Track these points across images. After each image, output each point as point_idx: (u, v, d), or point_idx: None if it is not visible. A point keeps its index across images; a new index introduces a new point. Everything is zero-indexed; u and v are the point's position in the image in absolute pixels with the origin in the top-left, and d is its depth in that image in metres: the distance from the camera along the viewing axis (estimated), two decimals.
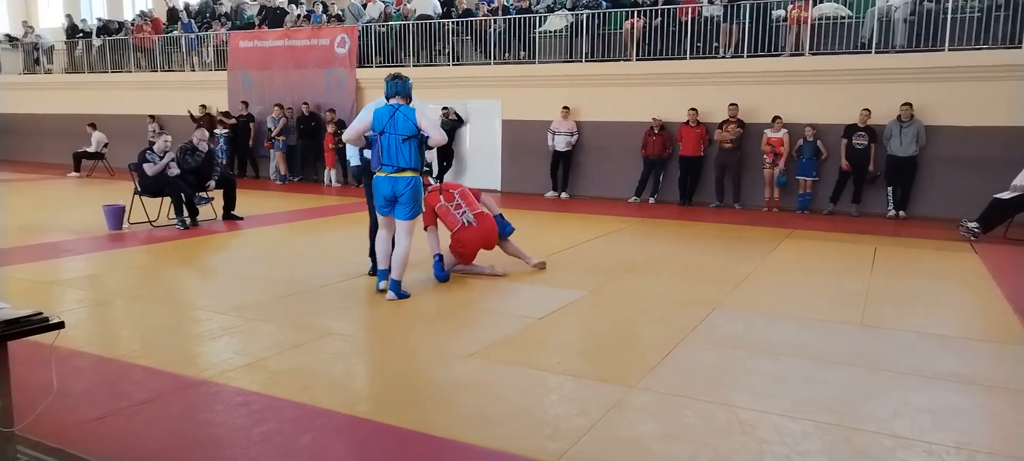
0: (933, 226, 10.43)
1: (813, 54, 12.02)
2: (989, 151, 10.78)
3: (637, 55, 13.26)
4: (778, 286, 6.61)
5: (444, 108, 14.60)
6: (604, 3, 13.85)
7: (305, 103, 15.90)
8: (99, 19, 21.52)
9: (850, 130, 11.47)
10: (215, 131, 16.01)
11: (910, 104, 11.01)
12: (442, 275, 6.49)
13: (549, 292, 6.18)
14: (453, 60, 15.13)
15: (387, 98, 5.74)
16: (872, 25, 11.57)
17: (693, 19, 12.80)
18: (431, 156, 13.30)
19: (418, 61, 15.51)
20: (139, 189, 9.52)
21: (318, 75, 16.41)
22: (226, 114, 16.74)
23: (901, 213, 11.32)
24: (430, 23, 15.40)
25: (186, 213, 9.43)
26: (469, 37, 15.12)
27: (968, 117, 11.03)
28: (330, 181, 15.47)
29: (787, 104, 12.05)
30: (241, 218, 10.06)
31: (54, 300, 5.79)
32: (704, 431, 3.45)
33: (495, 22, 14.59)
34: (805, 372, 4.30)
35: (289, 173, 16.08)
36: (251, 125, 16.53)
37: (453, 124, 14.60)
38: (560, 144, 13.53)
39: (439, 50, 15.41)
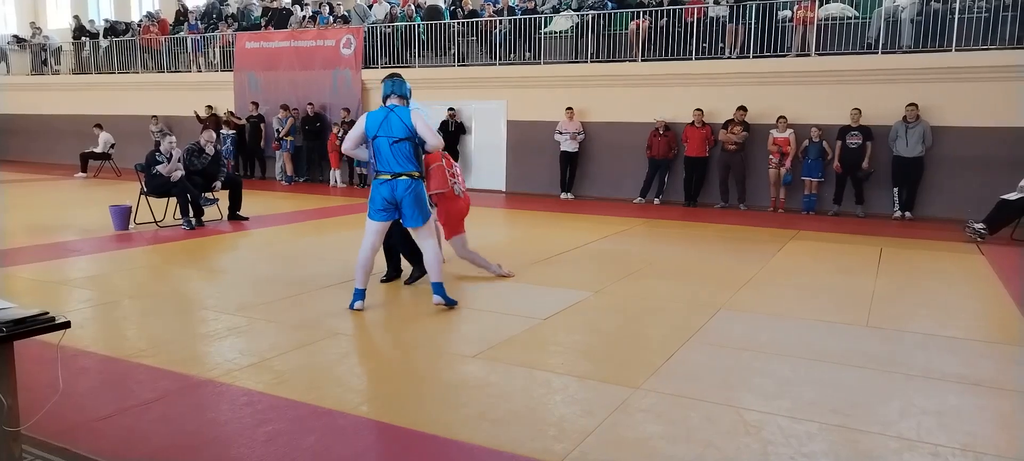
0: (939, 227, 10.39)
1: (819, 55, 11.99)
2: (996, 152, 10.73)
3: (642, 56, 13.24)
4: (783, 287, 6.59)
5: (450, 109, 14.62)
6: (609, 4, 13.85)
7: (310, 104, 15.94)
8: (106, 20, 21.62)
9: (844, 131, 11.45)
10: (221, 131, 16.06)
11: (916, 104, 10.97)
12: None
13: (554, 293, 6.17)
14: (459, 61, 15.14)
15: (383, 99, 5.52)
16: (878, 25, 11.53)
17: (699, 20, 12.78)
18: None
19: (424, 62, 15.54)
20: (145, 190, 9.55)
21: (324, 76, 16.44)
22: (234, 115, 16.78)
23: (907, 214, 11.28)
24: (436, 24, 15.43)
25: (192, 213, 9.46)
26: (474, 38, 15.13)
27: (975, 118, 10.98)
28: (335, 182, 15.50)
29: (793, 105, 12.02)
30: (247, 218, 10.09)
31: (60, 300, 5.81)
32: (709, 432, 3.44)
33: (500, 23, 14.60)
34: (810, 373, 4.29)
35: (295, 173, 16.12)
36: (261, 126, 16.58)
37: (457, 128, 14.65)
38: (567, 145, 13.53)
39: (445, 51, 15.42)
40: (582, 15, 13.78)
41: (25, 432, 2.89)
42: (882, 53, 11.50)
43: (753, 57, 12.43)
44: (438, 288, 5.57)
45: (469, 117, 14.96)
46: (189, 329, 5.11)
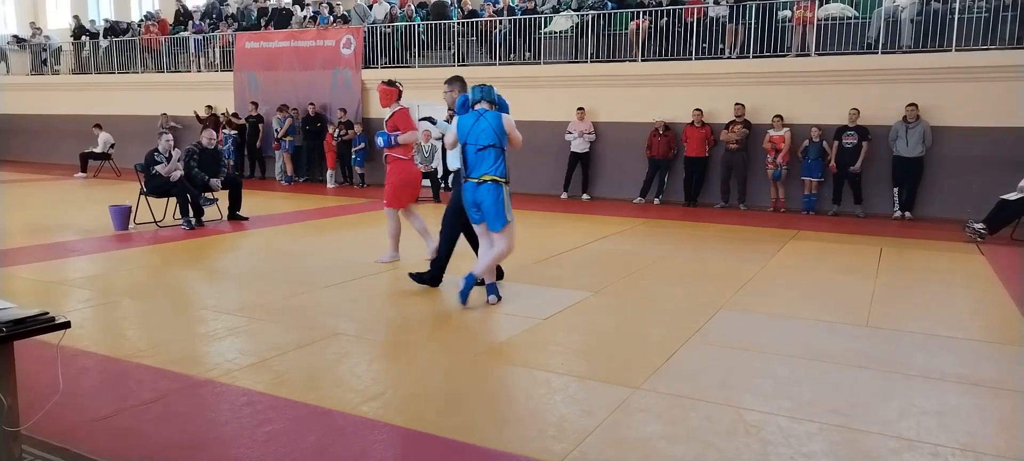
0: (939, 227, 10.39)
1: (819, 55, 11.99)
2: (996, 152, 10.73)
3: (642, 56, 13.24)
4: (783, 287, 6.59)
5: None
6: (609, 4, 13.85)
7: (311, 104, 15.93)
8: (106, 20, 21.62)
9: (841, 131, 11.45)
10: (223, 131, 16.06)
11: (915, 105, 10.97)
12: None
13: (554, 293, 6.18)
14: (459, 61, 15.14)
15: (472, 105, 5.72)
16: (878, 25, 11.53)
17: (699, 20, 12.78)
18: (437, 160, 13.32)
19: (424, 62, 15.53)
20: (145, 190, 9.55)
21: (324, 76, 16.44)
22: (235, 115, 16.79)
23: (907, 214, 11.28)
24: (435, 24, 15.43)
25: (192, 213, 9.46)
26: (474, 38, 15.13)
27: (975, 118, 10.98)
28: (330, 181, 15.49)
29: (793, 105, 12.03)
30: (247, 218, 10.08)
31: (60, 300, 5.81)
32: (709, 432, 3.44)
33: (500, 23, 14.60)
34: (810, 373, 4.29)
35: (295, 174, 16.12)
36: (260, 126, 16.58)
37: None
38: (577, 145, 13.52)
39: (445, 51, 15.42)
40: (582, 15, 13.78)
41: (25, 432, 2.89)
42: (882, 53, 11.50)
43: (753, 57, 12.43)
44: (470, 279, 5.69)
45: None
46: (189, 329, 5.11)
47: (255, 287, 6.31)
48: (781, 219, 11.23)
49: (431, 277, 6.30)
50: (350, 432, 3.45)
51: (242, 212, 10.16)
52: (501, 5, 15.05)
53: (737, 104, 12.18)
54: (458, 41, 15.17)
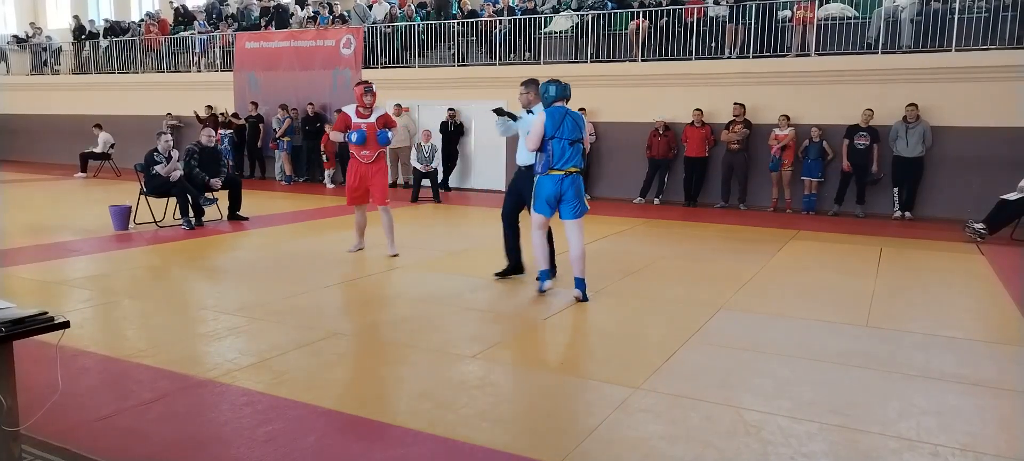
0: (939, 227, 10.39)
1: (819, 55, 11.99)
2: (996, 152, 10.73)
3: (642, 56, 13.25)
4: (783, 287, 6.59)
5: (450, 109, 14.62)
6: (609, 4, 13.85)
7: (310, 104, 15.93)
8: (106, 20, 21.62)
9: (852, 130, 11.44)
10: (219, 131, 16.05)
11: (916, 105, 10.97)
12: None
13: (554, 292, 6.17)
14: (458, 61, 15.14)
15: (554, 100, 5.79)
16: (878, 25, 11.53)
17: (699, 20, 12.79)
18: (437, 160, 13.32)
19: (424, 62, 15.53)
20: (145, 190, 9.55)
21: (324, 76, 16.44)
22: (235, 115, 16.79)
23: (907, 214, 11.28)
24: (436, 24, 15.42)
25: (192, 213, 9.46)
26: (474, 38, 15.13)
27: (975, 118, 10.98)
28: (329, 182, 15.49)
29: (793, 105, 12.03)
30: (246, 218, 10.08)
31: (60, 300, 5.81)
32: (709, 432, 3.44)
33: (500, 23, 14.60)
34: (810, 373, 4.29)
35: (294, 173, 16.12)
36: (260, 126, 16.58)
37: (457, 129, 14.66)
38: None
39: (445, 51, 15.42)
40: (582, 15, 13.79)
41: (24, 432, 2.89)
42: (882, 53, 11.50)
43: (753, 57, 12.43)
44: (582, 284, 5.84)
45: (469, 117, 14.96)
46: (189, 329, 5.11)
47: (255, 287, 6.31)
48: (781, 219, 11.23)
49: (513, 267, 6.64)
50: (350, 432, 3.45)
51: (242, 212, 10.16)
52: (501, 5, 15.05)
53: (737, 104, 12.18)
54: (458, 41, 15.17)
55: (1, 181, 15.81)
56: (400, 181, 15.02)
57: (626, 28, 13.52)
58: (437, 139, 14.03)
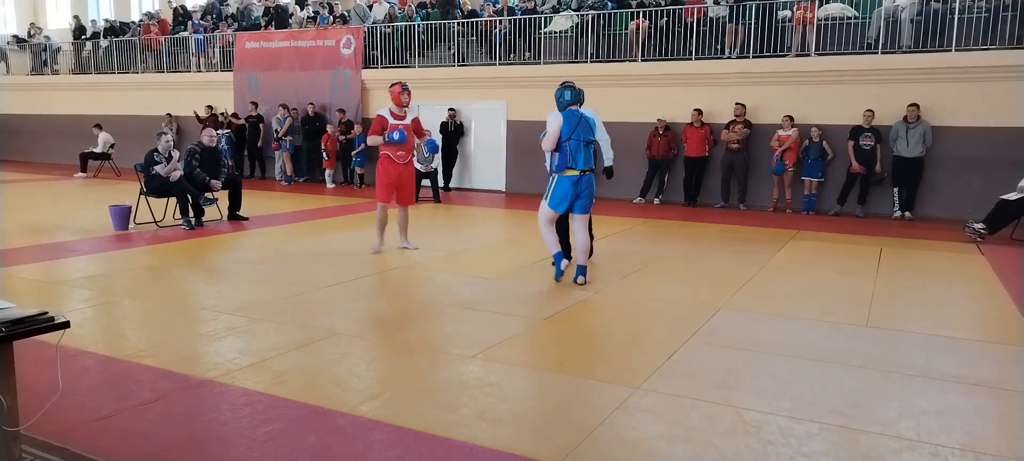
0: (939, 227, 10.39)
1: (819, 55, 11.99)
2: (996, 152, 10.73)
3: (642, 56, 13.24)
4: (783, 287, 6.59)
5: (450, 109, 14.62)
6: (609, 4, 13.85)
7: (311, 104, 15.93)
8: (106, 20, 21.62)
9: (856, 132, 11.43)
10: (218, 131, 16.06)
11: (916, 105, 10.97)
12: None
13: (554, 292, 6.17)
14: (458, 61, 15.14)
15: (569, 104, 6.32)
16: (878, 25, 11.53)
17: (698, 20, 12.79)
18: (437, 160, 13.32)
19: (424, 62, 15.54)
20: (145, 190, 9.55)
21: (324, 76, 16.44)
22: (234, 115, 16.79)
23: (907, 214, 11.28)
24: (436, 24, 15.43)
25: (192, 213, 9.46)
26: (474, 38, 15.13)
27: (975, 118, 10.98)
28: (329, 182, 15.48)
29: (793, 105, 12.02)
30: (246, 218, 10.09)
31: (60, 300, 5.81)
32: (709, 432, 3.44)
33: (500, 23, 14.60)
34: (810, 373, 4.29)
35: (294, 173, 16.12)
36: (260, 126, 16.58)
37: (457, 129, 14.66)
38: None
39: (444, 51, 15.42)
40: (582, 15, 13.78)
41: (24, 432, 2.89)
42: (882, 53, 11.50)
43: (753, 57, 12.43)
44: (581, 269, 6.42)
45: (469, 117, 14.97)
46: (189, 329, 5.11)
47: (255, 287, 6.31)
48: (781, 219, 11.23)
49: (566, 253, 6.90)
50: (350, 432, 3.45)
51: (242, 212, 10.16)
52: (501, 5, 15.05)
53: (737, 104, 12.18)
54: (458, 41, 15.17)
55: (1, 181, 15.81)
56: None
57: (626, 28, 13.52)
58: (437, 139, 14.03)
